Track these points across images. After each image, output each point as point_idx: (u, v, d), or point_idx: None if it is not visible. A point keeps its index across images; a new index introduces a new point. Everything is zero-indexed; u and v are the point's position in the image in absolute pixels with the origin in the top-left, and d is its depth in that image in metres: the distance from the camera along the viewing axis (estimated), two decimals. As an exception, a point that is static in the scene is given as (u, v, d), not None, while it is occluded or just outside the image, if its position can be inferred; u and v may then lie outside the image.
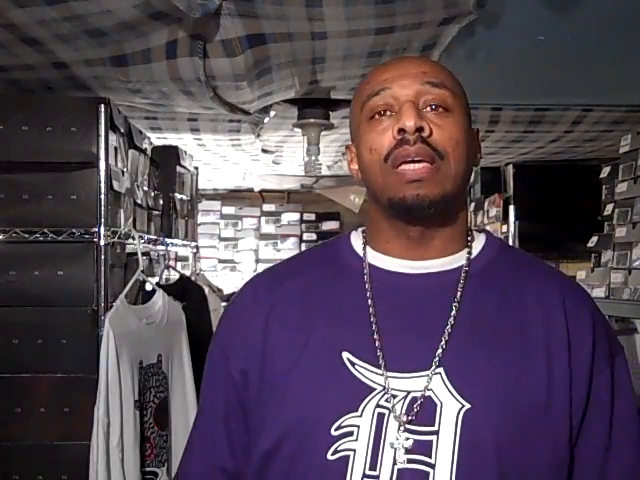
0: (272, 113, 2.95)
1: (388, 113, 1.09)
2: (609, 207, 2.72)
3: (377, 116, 1.09)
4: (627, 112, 3.04)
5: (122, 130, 2.45)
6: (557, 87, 2.70)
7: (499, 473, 1.00)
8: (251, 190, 6.02)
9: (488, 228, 4.64)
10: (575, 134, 3.44)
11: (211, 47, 1.97)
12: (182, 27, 1.88)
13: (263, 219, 6.57)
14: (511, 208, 4.26)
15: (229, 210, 6.54)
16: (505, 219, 4.35)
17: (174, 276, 3.21)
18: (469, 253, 1.13)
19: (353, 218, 6.06)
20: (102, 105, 2.22)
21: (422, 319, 1.07)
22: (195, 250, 3.78)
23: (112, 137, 2.31)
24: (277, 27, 1.90)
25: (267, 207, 6.60)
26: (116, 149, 2.39)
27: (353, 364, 1.05)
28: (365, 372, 1.05)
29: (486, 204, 4.69)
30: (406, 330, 1.07)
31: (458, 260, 1.12)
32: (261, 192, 6.30)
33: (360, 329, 1.07)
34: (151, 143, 3.06)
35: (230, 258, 6.46)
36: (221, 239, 6.51)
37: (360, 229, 1.21)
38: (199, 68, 2.06)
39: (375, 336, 1.06)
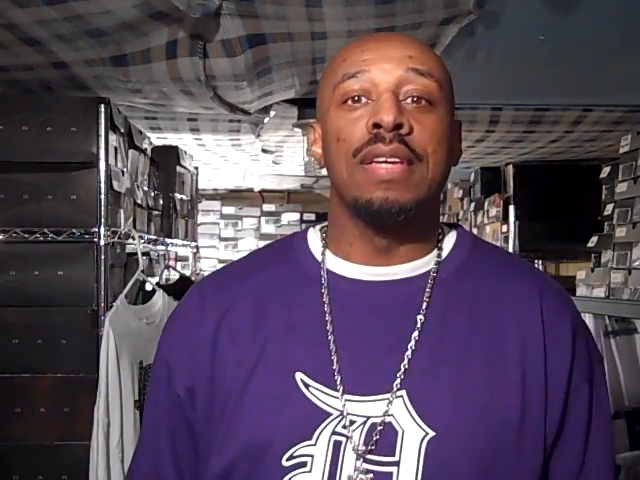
0: (272, 113, 2.94)
1: (363, 100, 0.96)
2: (609, 207, 2.72)
3: (350, 102, 0.96)
4: (627, 112, 3.04)
5: (122, 130, 2.45)
6: (557, 87, 2.70)
7: None
8: (251, 190, 6.02)
9: (488, 228, 4.64)
10: (575, 134, 3.43)
11: (211, 47, 1.97)
12: (182, 27, 1.88)
13: (263, 219, 6.57)
14: (511, 208, 4.25)
15: (229, 210, 6.54)
16: (505, 219, 4.34)
17: (174, 276, 3.21)
18: (439, 256, 1.02)
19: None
20: (102, 105, 2.22)
21: (384, 334, 0.96)
22: (195, 250, 3.79)
23: (112, 137, 2.31)
24: (277, 27, 1.90)
25: (267, 207, 6.60)
26: (116, 149, 2.39)
27: (307, 386, 0.94)
28: (320, 395, 0.94)
29: (486, 204, 4.69)
30: (366, 347, 0.96)
31: (426, 264, 1.01)
32: (261, 192, 6.30)
33: (316, 346, 0.96)
34: (151, 143, 3.06)
35: (230, 258, 6.44)
36: (221, 239, 6.51)
37: (318, 226, 1.09)
38: (199, 68, 2.06)
39: (332, 355, 0.95)
